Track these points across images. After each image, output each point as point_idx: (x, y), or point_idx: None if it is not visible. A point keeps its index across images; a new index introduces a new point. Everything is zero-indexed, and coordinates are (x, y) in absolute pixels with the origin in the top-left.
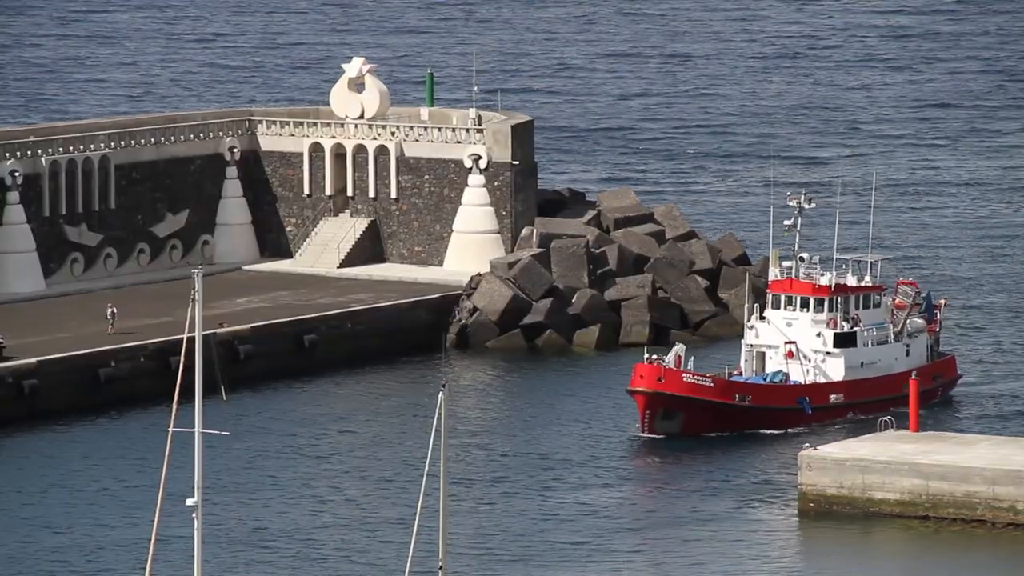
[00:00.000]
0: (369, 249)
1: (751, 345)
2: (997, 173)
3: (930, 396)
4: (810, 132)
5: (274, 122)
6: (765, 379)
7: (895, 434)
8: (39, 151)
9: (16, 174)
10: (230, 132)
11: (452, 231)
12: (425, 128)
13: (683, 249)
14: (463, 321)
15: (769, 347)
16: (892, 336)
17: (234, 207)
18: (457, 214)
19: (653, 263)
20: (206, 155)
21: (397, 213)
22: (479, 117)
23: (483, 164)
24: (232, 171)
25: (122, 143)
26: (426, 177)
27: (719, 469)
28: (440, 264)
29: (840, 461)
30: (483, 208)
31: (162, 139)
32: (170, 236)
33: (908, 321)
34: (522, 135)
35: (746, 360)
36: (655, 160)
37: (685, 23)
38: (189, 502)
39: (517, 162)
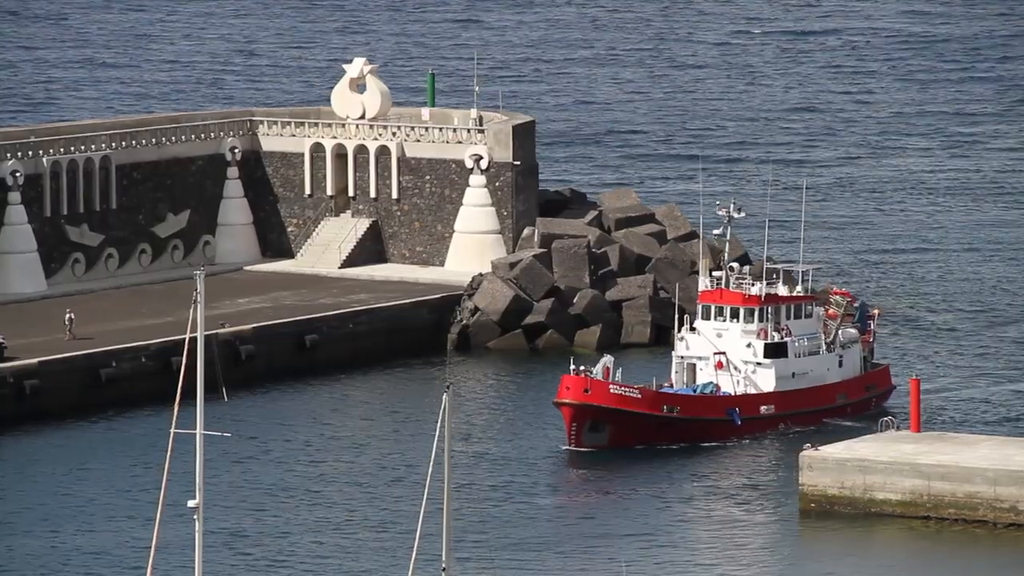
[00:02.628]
0: (370, 249)
1: (681, 356)
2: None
3: (864, 407)
4: (800, 134)
5: (275, 122)
6: (695, 390)
7: (896, 434)
8: (40, 151)
9: (17, 174)
10: (231, 132)
11: (453, 231)
12: (426, 128)
13: (684, 249)
14: (464, 321)
15: (699, 358)
16: (824, 346)
17: (235, 207)
18: (458, 214)
19: (654, 263)
20: (207, 155)
21: (398, 213)
22: (480, 117)
23: (484, 164)
24: (233, 171)
25: (123, 143)
26: (427, 177)
27: (719, 470)
28: (441, 264)
29: (841, 461)
30: (484, 208)
31: (163, 139)
32: (171, 236)
33: (840, 331)
34: (523, 135)
35: (677, 371)
36: (656, 161)
37: (686, 25)
38: (191, 503)
39: (518, 162)
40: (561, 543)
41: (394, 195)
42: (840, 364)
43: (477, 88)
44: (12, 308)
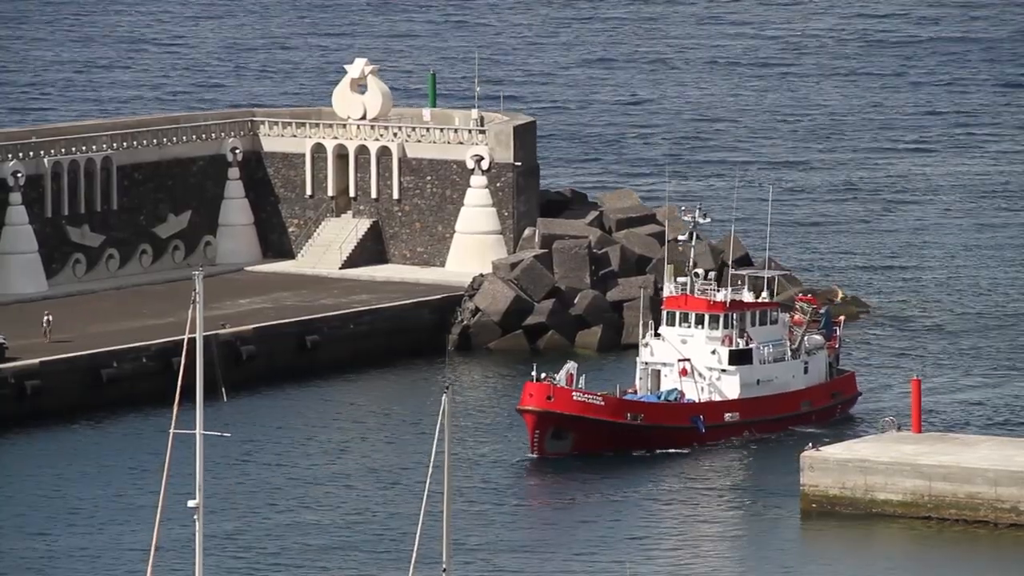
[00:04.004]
0: (371, 250)
1: (646, 363)
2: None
3: (829, 414)
4: (796, 135)
5: (276, 123)
6: (659, 397)
7: (897, 435)
8: (41, 152)
9: (18, 175)
10: (232, 133)
11: (454, 232)
12: (427, 129)
13: (685, 250)
14: (465, 322)
15: (664, 364)
16: (789, 353)
17: (236, 208)
18: (459, 215)
19: (655, 264)
20: (208, 156)
21: (399, 214)
22: (481, 118)
23: (485, 165)
24: (234, 172)
25: (124, 144)
26: (428, 178)
27: (720, 471)
28: (442, 265)
29: (842, 462)
30: (485, 209)
31: (164, 140)
32: (172, 237)
33: (806, 338)
34: (524, 136)
35: (641, 378)
36: (657, 161)
37: (687, 26)
38: (191, 504)
39: (519, 163)
40: (565, 545)
41: (395, 196)
42: (805, 371)
43: (478, 88)
44: (13, 308)
